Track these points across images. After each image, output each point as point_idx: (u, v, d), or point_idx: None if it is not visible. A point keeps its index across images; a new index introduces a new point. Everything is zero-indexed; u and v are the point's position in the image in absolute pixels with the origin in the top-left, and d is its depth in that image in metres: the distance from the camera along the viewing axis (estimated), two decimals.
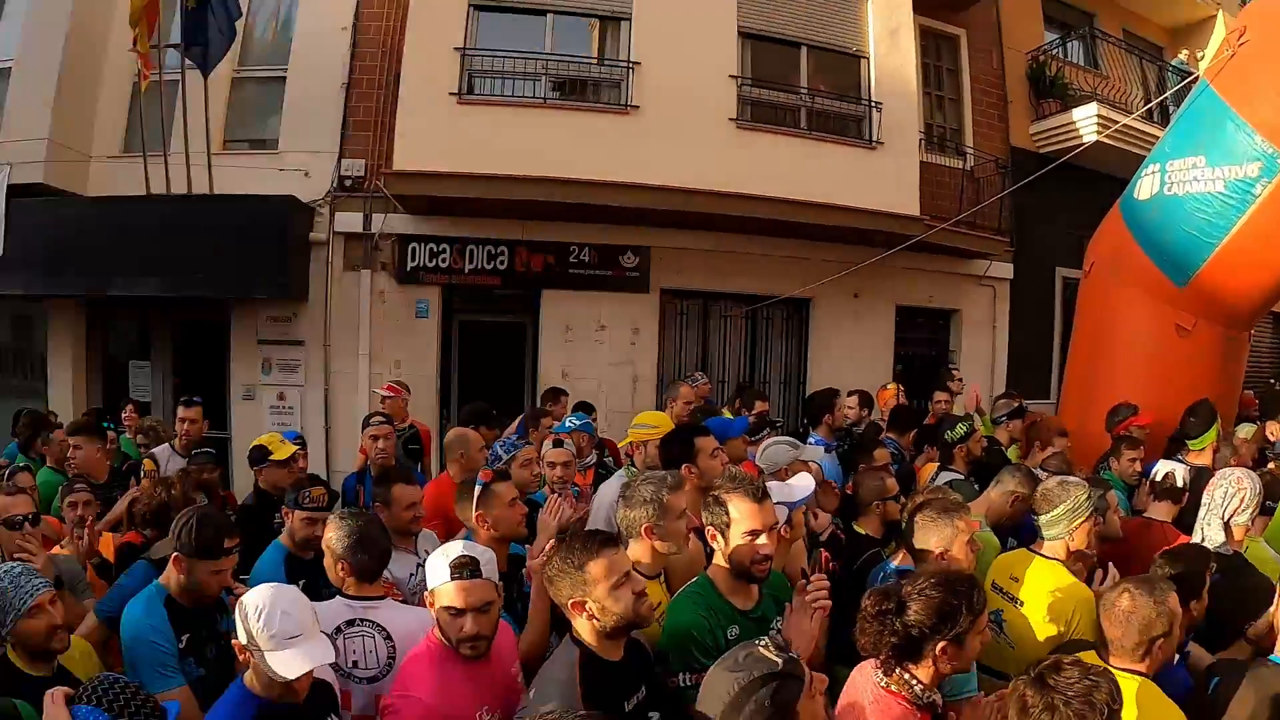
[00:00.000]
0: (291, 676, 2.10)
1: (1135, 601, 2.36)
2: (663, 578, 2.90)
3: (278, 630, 2.12)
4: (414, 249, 8.03)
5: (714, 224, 8.09)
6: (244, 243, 7.47)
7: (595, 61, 8.21)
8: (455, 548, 2.38)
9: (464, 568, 2.30)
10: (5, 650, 2.52)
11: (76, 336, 9.03)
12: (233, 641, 2.24)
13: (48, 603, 2.48)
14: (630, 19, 8.08)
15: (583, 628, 2.22)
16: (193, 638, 2.76)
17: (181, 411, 5.56)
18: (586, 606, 2.19)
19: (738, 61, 8.28)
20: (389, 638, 2.71)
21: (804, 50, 8.69)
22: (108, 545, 3.83)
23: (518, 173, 7.22)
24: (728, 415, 5.44)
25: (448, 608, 2.30)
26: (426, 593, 2.39)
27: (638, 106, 7.77)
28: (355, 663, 2.68)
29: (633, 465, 4.25)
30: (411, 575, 3.37)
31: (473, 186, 7.26)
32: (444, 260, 8.02)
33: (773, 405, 7.71)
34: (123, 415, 6.69)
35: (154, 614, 2.74)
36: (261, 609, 2.15)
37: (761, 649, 1.78)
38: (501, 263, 8.00)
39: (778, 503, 2.79)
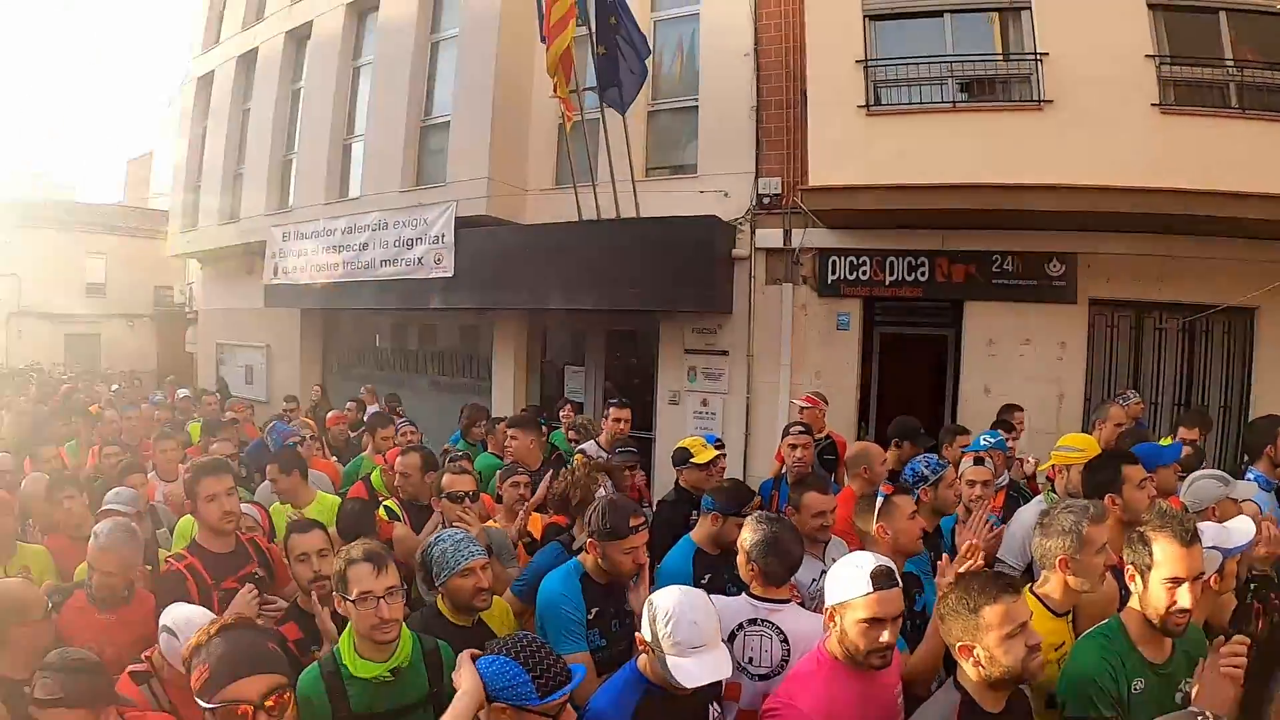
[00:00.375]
0: (689, 686, 2.16)
1: None
2: (1070, 615, 2.73)
3: (683, 639, 2.19)
4: (834, 262, 8.13)
5: (1143, 224, 7.23)
6: (671, 260, 8.03)
7: (1000, 57, 7.83)
8: (866, 559, 2.35)
9: (883, 577, 2.29)
10: (437, 599, 2.94)
11: (518, 344, 10.41)
12: (636, 635, 2.35)
13: (479, 567, 2.85)
14: (1030, 7, 7.51)
15: (968, 673, 2.14)
16: (600, 612, 3.02)
17: (614, 411, 6.01)
18: (975, 652, 2.09)
19: (1152, 38, 7.48)
20: (785, 640, 2.78)
21: (1222, 16, 7.63)
22: (536, 524, 4.31)
23: (931, 181, 7.01)
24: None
25: (867, 619, 2.26)
26: (835, 604, 2.35)
27: (1050, 100, 7.20)
28: (750, 659, 2.78)
29: (1053, 490, 4.03)
30: (814, 580, 3.41)
31: (887, 198, 7.19)
32: (864, 273, 8.03)
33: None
34: (560, 413, 7.53)
35: (569, 586, 3.03)
36: (671, 615, 2.22)
37: None
38: (922, 274, 7.83)
39: (1210, 548, 2.49)
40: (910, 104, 7.52)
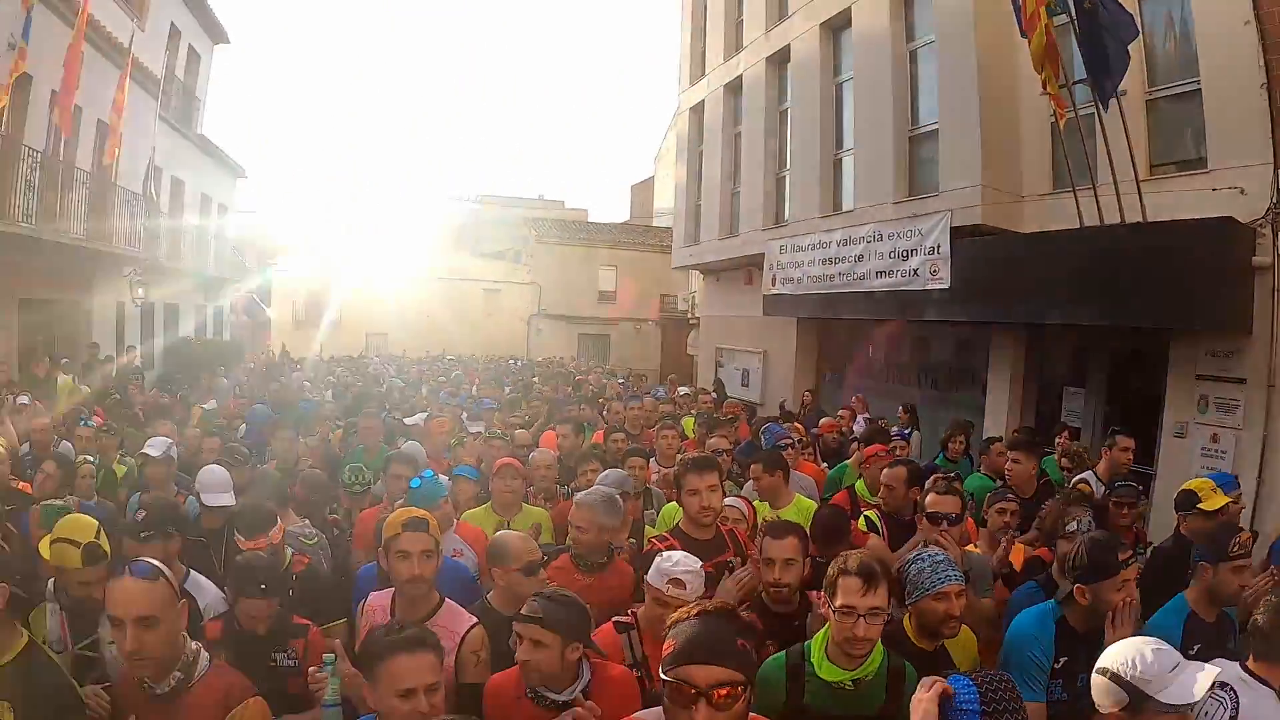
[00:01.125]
0: (1196, 697, 2.04)
1: None
2: None
3: (1159, 664, 2.08)
4: None
5: None
6: (1179, 270, 7.20)
7: None
8: None
9: None
10: (904, 618, 2.97)
11: (1016, 359, 10.13)
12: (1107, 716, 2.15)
13: (953, 593, 2.84)
14: None
15: None
16: (1070, 662, 2.84)
17: (1120, 440, 5.75)
18: None
19: None
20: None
21: None
22: (1018, 554, 4.11)
23: None
24: None
25: None
26: None
27: None
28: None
29: None
30: None
31: None
32: None
33: None
34: (1056, 438, 7.38)
35: (1043, 628, 2.91)
36: (1131, 658, 2.10)
37: None
38: None
39: None
40: None
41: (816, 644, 2.67)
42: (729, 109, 17.20)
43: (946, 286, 9.88)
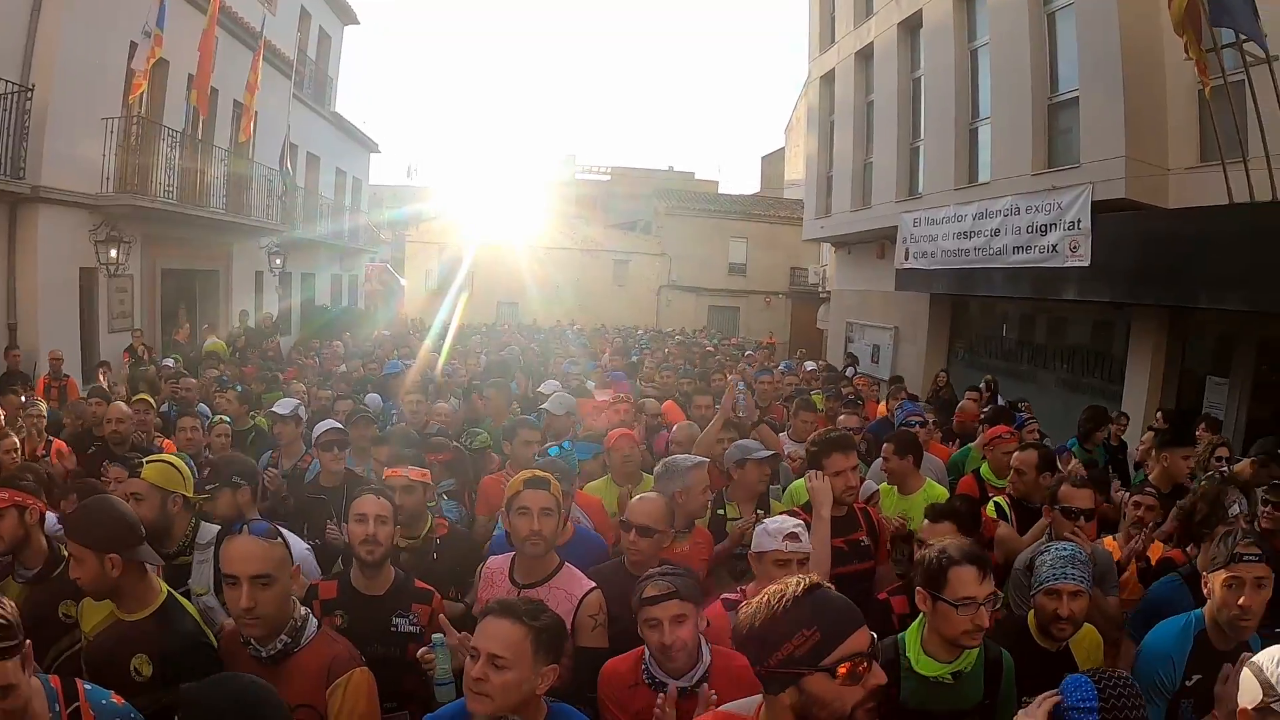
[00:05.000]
0: None
1: None
2: None
3: None
4: None
5: None
6: None
7: None
8: None
9: None
10: (1028, 613, 2.94)
11: (1157, 345, 9.73)
12: (1238, 710, 1.99)
13: (1068, 593, 2.76)
14: None
15: None
16: (1204, 680, 2.59)
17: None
18: None
19: None
20: None
21: None
22: (1156, 552, 4.01)
23: None
24: None
25: None
26: None
27: None
28: None
29: None
30: None
31: None
32: None
33: None
34: (1196, 430, 6.91)
35: (1179, 644, 2.71)
36: None
37: None
38: None
39: None
40: None
41: (912, 637, 2.57)
42: (860, 77, 16.88)
43: (1087, 264, 9.54)
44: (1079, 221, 9.68)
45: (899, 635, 2.63)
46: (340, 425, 4.93)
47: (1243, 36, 7.41)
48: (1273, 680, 1.88)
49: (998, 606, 2.63)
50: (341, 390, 8.39)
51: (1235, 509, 3.78)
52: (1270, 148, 7.35)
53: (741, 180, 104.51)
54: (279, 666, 2.42)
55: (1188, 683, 2.66)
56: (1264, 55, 7.35)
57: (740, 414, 5.27)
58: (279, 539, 2.53)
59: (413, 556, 3.64)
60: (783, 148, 39.65)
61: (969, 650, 2.49)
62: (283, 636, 2.45)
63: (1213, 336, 9.51)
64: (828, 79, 18.39)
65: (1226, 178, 7.79)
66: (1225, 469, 5.22)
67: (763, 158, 44.15)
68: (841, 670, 1.62)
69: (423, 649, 2.70)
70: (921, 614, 2.56)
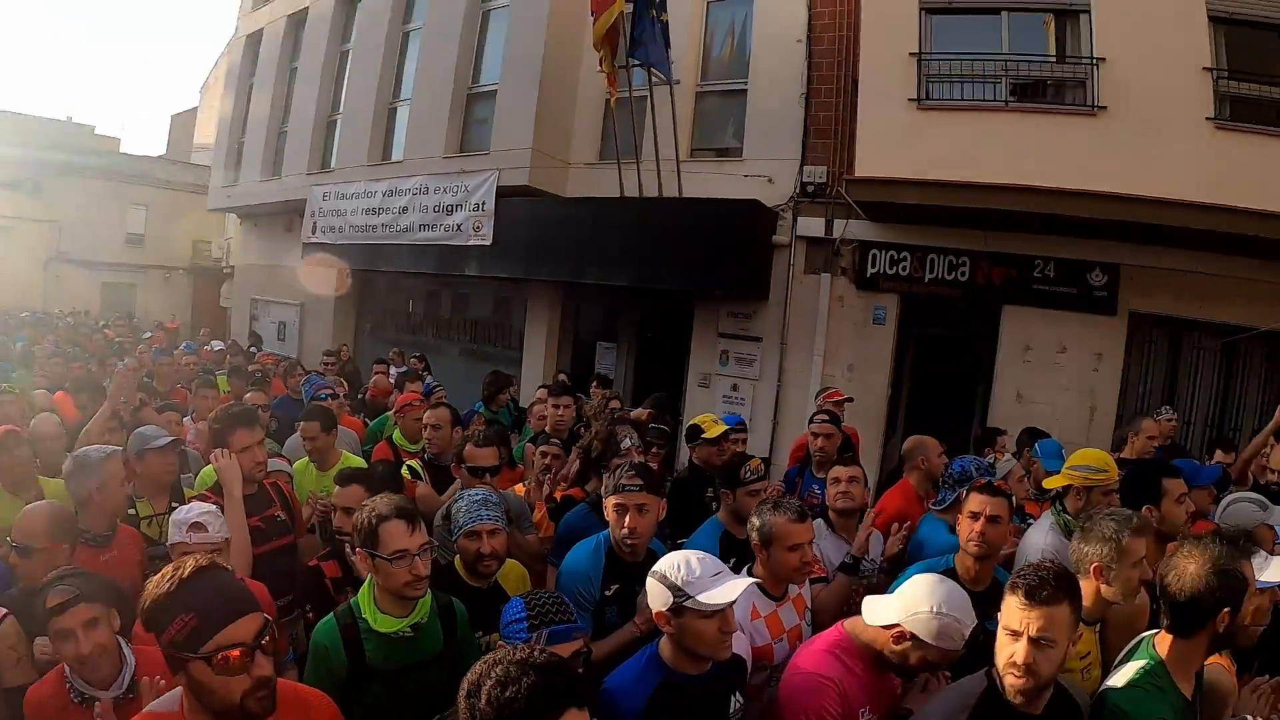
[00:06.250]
0: (728, 600, 2.16)
1: None
2: (1098, 626, 2.72)
3: (701, 571, 2.21)
4: (874, 255, 8.08)
5: (1190, 240, 7.04)
6: (710, 243, 7.99)
7: (1055, 60, 7.75)
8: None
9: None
10: (455, 559, 3.06)
11: (551, 316, 10.45)
12: (654, 614, 2.28)
13: (485, 531, 2.91)
14: (1090, 10, 7.35)
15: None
16: (622, 589, 3.00)
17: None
18: None
19: (1211, 51, 7.31)
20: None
21: None
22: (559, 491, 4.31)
23: (978, 179, 6.94)
24: None
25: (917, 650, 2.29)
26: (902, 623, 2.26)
27: (1104, 107, 7.10)
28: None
29: (1062, 510, 3.53)
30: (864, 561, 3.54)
31: (933, 194, 7.12)
32: (904, 268, 7.97)
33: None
34: (590, 389, 7.46)
35: (595, 560, 3.06)
36: (679, 564, 2.24)
37: None
38: (962, 274, 7.76)
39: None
40: (962, 100, 7.41)
41: (364, 599, 2.56)
42: (289, 41, 15.26)
43: (489, 243, 9.82)
44: (484, 204, 9.89)
45: (353, 600, 2.60)
46: None
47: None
48: (678, 583, 2.19)
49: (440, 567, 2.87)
50: None
51: (627, 442, 4.34)
52: (660, 153, 8.36)
53: (147, 140, 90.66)
54: None
55: (607, 593, 3.00)
56: (666, 80, 8.33)
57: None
58: None
59: None
60: (196, 108, 34.93)
61: (421, 601, 2.55)
62: None
63: (602, 308, 10.53)
64: (254, 38, 16.41)
65: (620, 175, 8.56)
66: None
67: (173, 116, 38.33)
68: (218, 659, 1.63)
69: None
70: (369, 575, 2.56)
